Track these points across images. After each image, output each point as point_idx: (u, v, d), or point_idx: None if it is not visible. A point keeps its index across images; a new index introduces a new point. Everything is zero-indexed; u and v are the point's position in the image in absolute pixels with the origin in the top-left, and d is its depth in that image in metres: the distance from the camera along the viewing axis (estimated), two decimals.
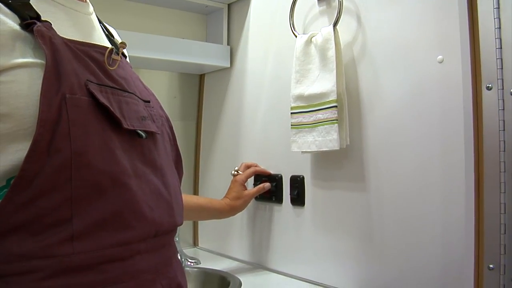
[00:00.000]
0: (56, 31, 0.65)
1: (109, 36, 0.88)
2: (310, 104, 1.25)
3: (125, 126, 0.68)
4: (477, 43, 1.00)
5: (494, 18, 0.97)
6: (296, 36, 1.33)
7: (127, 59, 0.93)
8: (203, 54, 1.68)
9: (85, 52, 0.69)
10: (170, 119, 0.89)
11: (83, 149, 0.61)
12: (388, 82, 1.16)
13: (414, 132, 1.10)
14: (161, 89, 1.80)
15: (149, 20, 1.70)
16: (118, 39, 0.95)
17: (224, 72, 1.76)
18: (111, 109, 0.65)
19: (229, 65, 1.72)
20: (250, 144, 1.62)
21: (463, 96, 1.01)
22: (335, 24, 1.22)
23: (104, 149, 0.64)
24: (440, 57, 1.05)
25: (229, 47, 1.73)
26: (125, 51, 0.90)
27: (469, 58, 1.00)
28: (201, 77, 1.90)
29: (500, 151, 0.96)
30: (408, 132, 1.11)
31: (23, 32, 0.62)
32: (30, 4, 0.65)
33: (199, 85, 1.91)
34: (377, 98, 1.19)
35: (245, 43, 1.68)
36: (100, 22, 0.88)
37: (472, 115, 1.00)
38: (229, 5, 1.77)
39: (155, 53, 1.54)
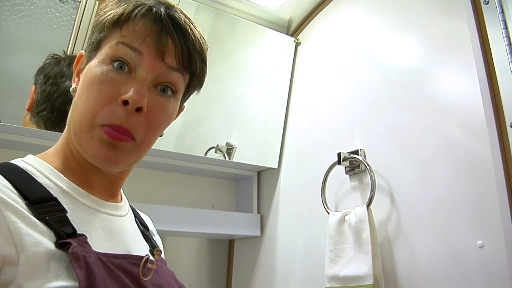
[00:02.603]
0: (91, 245, 0.65)
1: (144, 232, 0.88)
2: (345, 286, 1.20)
3: None
4: None
5: None
6: (328, 213, 1.32)
7: (162, 254, 0.92)
8: (233, 224, 1.67)
9: (119, 266, 0.68)
10: None
11: None
12: (426, 263, 1.12)
13: None
14: (190, 255, 1.77)
15: (179, 188, 1.73)
16: (152, 229, 0.95)
17: (254, 240, 1.74)
18: None
19: (259, 234, 1.71)
20: None
21: None
22: (368, 204, 1.21)
23: None
24: (480, 241, 1.02)
25: (259, 215, 1.73)
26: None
27: None
28: (231, 242, 1.87)
29: None
30: None
31: (58, 252, 0.62)
32: (67, 218, 0.66)
33: (228, 251, 1.87)
34: (415, 280, 1.14)
35: (276, 212, 1.67)
36: (133, 212, 0.88)
37: None
38: (258, 173, 1.80)
39: (184, 226, 1.53)
